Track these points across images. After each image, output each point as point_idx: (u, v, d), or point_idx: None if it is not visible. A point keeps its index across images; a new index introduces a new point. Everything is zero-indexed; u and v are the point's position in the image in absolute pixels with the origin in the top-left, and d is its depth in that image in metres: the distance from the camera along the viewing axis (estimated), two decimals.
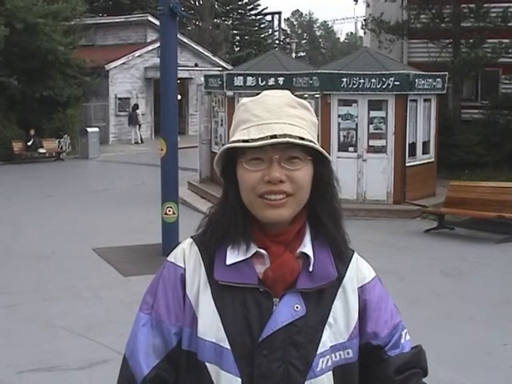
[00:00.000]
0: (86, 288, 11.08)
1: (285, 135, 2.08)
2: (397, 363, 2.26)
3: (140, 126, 38.31)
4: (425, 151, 18.87)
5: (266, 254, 2.18)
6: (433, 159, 19.24)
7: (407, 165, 17.89)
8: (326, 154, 2.17)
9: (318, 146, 2.13)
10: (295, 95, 2.26)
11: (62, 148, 31.59)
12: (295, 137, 2.09)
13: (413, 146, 18.29)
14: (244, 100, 2.27)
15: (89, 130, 31.56)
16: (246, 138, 2.12)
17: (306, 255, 2.20)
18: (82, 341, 8.70)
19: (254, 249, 2.19)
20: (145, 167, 27.40)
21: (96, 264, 12.64)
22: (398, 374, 2.25)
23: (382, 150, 17.70)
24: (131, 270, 12.11)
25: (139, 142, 37.88)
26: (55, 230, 15.56)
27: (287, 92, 2.25)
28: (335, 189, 2.27)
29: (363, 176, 17.44)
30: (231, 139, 2.20)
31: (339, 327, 2.21)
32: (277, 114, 2.15)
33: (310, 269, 2.18)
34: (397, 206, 17.48)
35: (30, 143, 29.75)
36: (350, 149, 17.59)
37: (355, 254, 2.35)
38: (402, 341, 2.33)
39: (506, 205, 14.51)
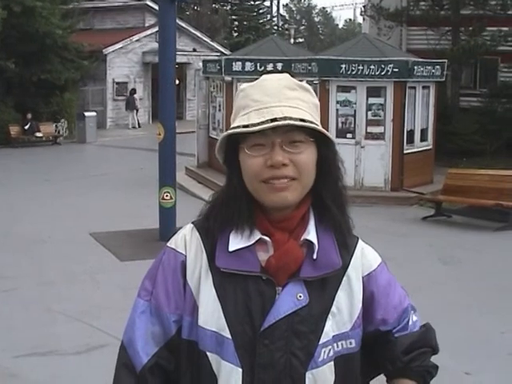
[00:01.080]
0: (82, 273, 11.06)
1: (285, 118, 2.04)
2: (405, 343, 2.28)
3: (137, 110, 38.19)
4: (423, 138, 18.84)
5: (270, 241, 2.15)
6: (431, 146, 19.21)
7: (405, 152, 17.86)
8: (329, 135, 2.13)
9: (319, 128, 2.09)
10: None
11: (59, 132, 31.45)
12: (296, 119, 2.05)
13: (411, 133, 18.25)
14: (243, 86, 2.23)
15: (86, 114, 31.43)
16: (246, 123, 2.08)
17: (310, 242, 2.17)
18: (78, 325, 8.68)
19: (257, 235, 2.16)
20: (142, 152, 27.32)
21: (93, 248, 12.62)
22: (406, 354, 2.28)
23: (380, 136, 17.67)
24: (128, 255, 12.10)
25: (136, 126, 37.75)
26: (52, 214, 15.53)
27: (286, 75, 2.21)
28: (340, 171, 2.24)
29: (361, 163, 17.42)
30: (232, 126, 2.16)
31: (342, 317, 2.19)
32: (276, 97, 2.11)
33: (314, 256, 2.15)
34: (394, 192, 17.47)
35: (27, 127, 29.63)
36: (348, 135, 17.54)
37: (360, 242, 2.33)
38: (410, 323, 2.34)
39: (504, 193, 14.48)
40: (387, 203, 16.80)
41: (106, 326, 8.44)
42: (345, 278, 2.21)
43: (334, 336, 2.16)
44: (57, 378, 7.26)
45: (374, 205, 16.54)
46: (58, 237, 13.34)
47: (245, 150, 2.10)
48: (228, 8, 60.52)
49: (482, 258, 12.34)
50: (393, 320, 2.30)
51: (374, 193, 17.19)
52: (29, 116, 29.78)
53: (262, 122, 2.04)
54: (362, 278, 2.25)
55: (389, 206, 16.59)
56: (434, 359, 2.35)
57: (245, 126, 2.07)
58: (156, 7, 34.60)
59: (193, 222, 2.29)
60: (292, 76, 2.22)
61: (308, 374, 2.12)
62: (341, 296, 2.19)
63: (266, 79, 2.19)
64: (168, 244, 2.29)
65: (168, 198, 12.86)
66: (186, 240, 2.24)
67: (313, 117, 2.13)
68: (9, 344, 8.06)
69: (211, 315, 2.12)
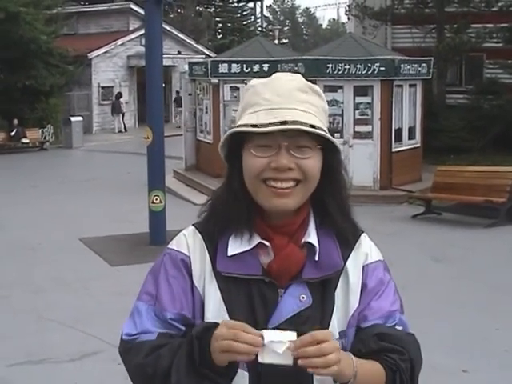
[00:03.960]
0: (73, 279, 10.98)
1: (295, 122, 2.00)
2: (382, 330, 2.15)
3: (123, 114, 38.15)
4: (410, 136, 18.86)
5: (270, 246, 2.13)
6: (419, 144, 19.23)
7: (393, 150, 17.87)
8: (337, 143, 2.10)
9: (328, 135, 2.06)
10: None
11: (45, 138, 31.34)
12: (306, 124, 2.01)
13: (399, 131, 18.26)
14: (253, 82, 2.20)
15: (72, 119, 31.36)
16: (254, 122, 2.04)
17: (311, 244, 2.15)
18: (71, 332, 8.61)
19: (256, 239, 2.13)
20: (129, 156, 27.25)
21: (83, 254, 12.54)
22: (380, 339, 2.13)
23: (367, 135, 17.69)
24: (119, 260, 12.04)
25: (123, 130, 37.72)
26: (41, 220, 15.45)
27: (299, 76, 2.18)
28: (343, 178, 2.21)
29: (349, 162, 17.35)
30: (238, 123, 2.12)
31: (339, 315, 2.15)
32: (287, 98, 2.08)
33: (316, 258, 2.13)
34: (383, 191, 17.48)
35: (13, 133, 29.61)
36: (336, 135, 17.47)
37: (363, 235, 2.28)
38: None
39: (494, 189, 14.48)
40: (376, 202, 16.79)
41: (99, 332, 8.37)
42: (343, 275, 2.17)
43: (339, 333, 2.13)
44: None
45: (363, 204, 16.45)
46: (48, 243, 13.26)
47: (250, 150, 2.07)
48: (212, 10, 60.56)
49: (473, 255, 12.34)
50: (373, 318, 2.17)
51: (363, 192, 17.12)
52: (15, 122, 29.71)
53: (271, 124, 2.01)
54: (363, 266, 2.21)
55: (378, 204, 16.58)
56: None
57: (253, 125, 2.03)
58: (140, 10, 34.72)
59: (194, 225, 2.26)
60: (304, 77, 2.19)
61: (316, 376, 2.07)
62: (338, 293, 2.16)
63: (278, 78, 2.16)
64: (169, 246, 2.25)
65: (158, 201, 12.80)
66: (189, 242, 2.20)
67: (322, 122, 2.10)
68: (2, 353, 7.98)
69: (217, 319, 2.06)
